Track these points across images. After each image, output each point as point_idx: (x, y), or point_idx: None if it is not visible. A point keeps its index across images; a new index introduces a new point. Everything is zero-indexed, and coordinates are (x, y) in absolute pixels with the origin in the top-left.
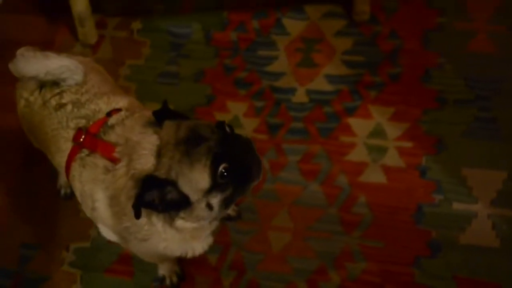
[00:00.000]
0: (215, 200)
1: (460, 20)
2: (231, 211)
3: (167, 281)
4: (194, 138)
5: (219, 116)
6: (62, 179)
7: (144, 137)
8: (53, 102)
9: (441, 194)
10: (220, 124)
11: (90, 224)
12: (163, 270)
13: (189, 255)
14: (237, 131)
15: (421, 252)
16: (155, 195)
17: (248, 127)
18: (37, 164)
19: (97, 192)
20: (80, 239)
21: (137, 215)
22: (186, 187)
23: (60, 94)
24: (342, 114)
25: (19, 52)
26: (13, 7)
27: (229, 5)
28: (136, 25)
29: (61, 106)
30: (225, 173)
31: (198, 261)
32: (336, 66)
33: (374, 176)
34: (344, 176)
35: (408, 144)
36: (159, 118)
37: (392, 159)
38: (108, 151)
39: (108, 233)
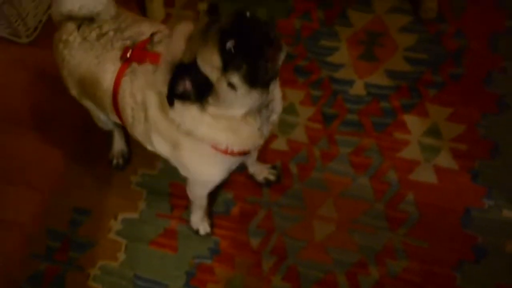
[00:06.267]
0: (235, 79)
1: None
2: (270, 175)
3: (201, 231)
4: (212, 22)
5: None
6: (115, 148)
7: (183, 29)
8: (93, 34)
9: (491, 200)
10: (240, 11)
11: (139, 196)
12: (195, 223)
13: (236, 148)
14: (292, 118)
15: (465, 256)
16: (187, 84)
17: (303, 115)
18: (95, 132)
19: (149, 96)
20: (129, 209)
21: (171, 102)
22: (204, 67)
23: (98, 27)
24: (399, 110)
25: None
26: None
27: None
28: (203, 6)
29: (102, 35)
30: (233, 49)
31: (240, 244)
32: (397, 62)
33: (424, 175)
34: (394, 173)
35: (462, 147)
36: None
37: (445, 160)
38: (157, 58)
39: (161, 144)
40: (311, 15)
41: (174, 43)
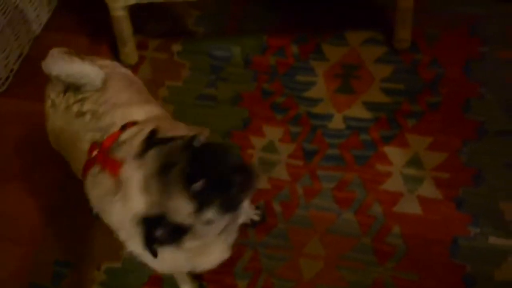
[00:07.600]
0: (210, 215)
1: (503, 49)
2: (254, 215)
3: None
4: (166, 165)
5: (255, 140)
6: None
7: (133, 173)
8: (75, 108)
9: (477, 227)
10: (189, 141)
11: (122, 244)
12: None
13: (199, 269)
14: (272, 156)
15: (455, 286)
16: (161, 232)
17: (283, 153)
18: (73, 182)
19: (106, 213)
20: (111, 259)
21: (154, 255)
22: (176, 217)
23: (81, 101)
24: (379, 142)
25: (51, 51)
26: (57, 26)
27: (269, 29)
28: (177, 47)
29: (81, 114)
30: (204, 190)
31: (227, 287)
32: (374, 94)
33: (409, 206)
34: (379, 206)
35: (445, 175)
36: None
37: (428, 189)
38: (115, 169)
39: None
40: (286, 51)
41: (131, 197)
